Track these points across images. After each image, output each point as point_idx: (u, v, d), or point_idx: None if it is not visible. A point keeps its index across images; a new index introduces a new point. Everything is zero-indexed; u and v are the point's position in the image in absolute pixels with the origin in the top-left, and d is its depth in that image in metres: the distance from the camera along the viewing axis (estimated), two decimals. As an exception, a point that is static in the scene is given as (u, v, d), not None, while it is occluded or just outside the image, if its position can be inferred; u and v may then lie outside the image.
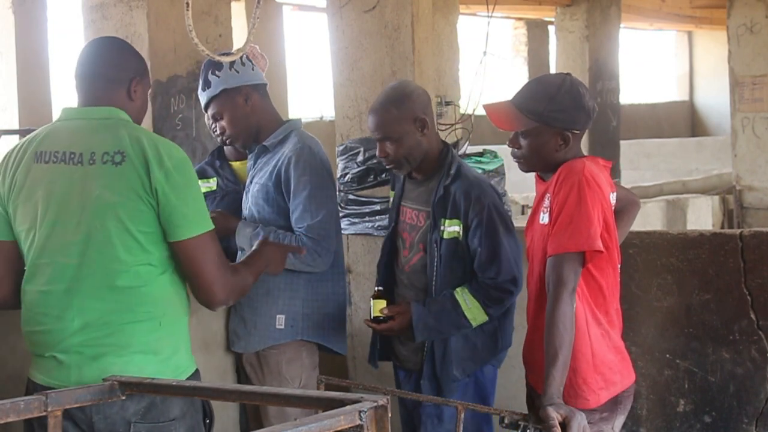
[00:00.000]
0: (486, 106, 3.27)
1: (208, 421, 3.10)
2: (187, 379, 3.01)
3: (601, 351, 3.20)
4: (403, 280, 3.86)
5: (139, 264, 2.91)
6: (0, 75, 8.49)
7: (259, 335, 3.91)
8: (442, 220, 3.66)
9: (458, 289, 3.65)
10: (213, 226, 3.01)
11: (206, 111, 4.02)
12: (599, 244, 3.10)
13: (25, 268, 3.03)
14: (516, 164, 3.38)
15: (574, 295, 3.07)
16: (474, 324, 3.65)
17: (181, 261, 2.97)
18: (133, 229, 2.90)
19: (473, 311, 3.63)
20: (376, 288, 3.83)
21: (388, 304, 3.77)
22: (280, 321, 3.88)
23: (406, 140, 3.68)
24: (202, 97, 3.99)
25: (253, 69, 3.99)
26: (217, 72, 3.92)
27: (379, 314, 3.75)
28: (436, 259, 3.68)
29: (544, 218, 3.23)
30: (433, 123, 3.79)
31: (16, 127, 8.16)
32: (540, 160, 3.25)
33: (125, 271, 2.90)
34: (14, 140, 7.86)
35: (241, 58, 3.93)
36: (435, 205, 3.68)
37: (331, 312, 3.93)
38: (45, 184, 2.96)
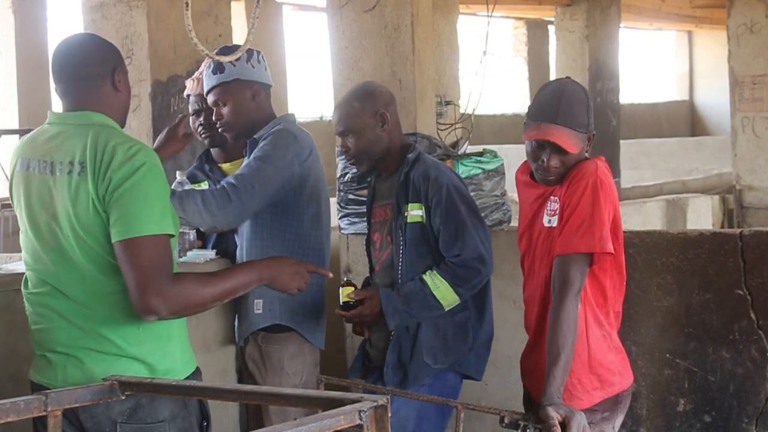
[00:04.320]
0: (548, 135, 3.16)
1: (205, 423, 3.06)
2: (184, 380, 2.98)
3: (599, 352, 3.20)
4: (376, 280, 3.89)
5: (111, 272, 2.87)
6: (0, 75, 8.50)
7: (242, 323, 3.93)
8: (405, 205, 3.70)
9: (427, 271, 3.68)
10: (162, 231, 2.82)
11: (208, 94, 3.99)
12: (610, 247, 3.10)
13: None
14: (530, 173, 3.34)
15: (579, 295, 3.07)
16: (445, 304, 3.65)
17: (118, 263, 2.84)
18: (90, 241, 2.85)
19: (442, 290, 3.64)
20: (345, 277, 3.85)
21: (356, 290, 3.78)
22: (258, 306, 3.89)
23: (365, 134, 3.75)
24: (211, 80, 3.95)
25: (266, 69, 4.02)
26: (233, 61, 3.92)
27: (347, 299, 3.75)
28: (401, 245, 3.71)
29: (552, 221, 3.22)
30: (397, 121, 3.84)
31: (16, 127, 8.18)
32: (569, 169, 3.23)
33: (98, 280, 2.88)
34: (14, 140, 7.87)
35: (257, 56, 3.97)
36: (397, 192, 3.73)
37: (307, 302, 3.91)
38: (23, 192, 2.98)
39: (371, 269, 3.97)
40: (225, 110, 3.95)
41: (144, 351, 2.92)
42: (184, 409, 2.99)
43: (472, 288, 3.68)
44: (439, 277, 3.64)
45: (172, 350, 2.99)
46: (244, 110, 3.94)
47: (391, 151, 3.80)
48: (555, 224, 3.20)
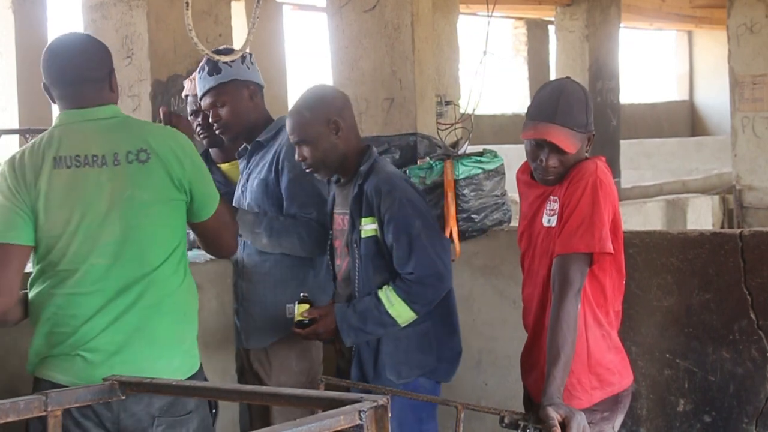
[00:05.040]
0: (546, 135, 3.16)
1: (213, 411, 3.24)
2: (199, 369, 3.16)
3: (598, 352, 3.20)
4: (338, 290, 3.80)
5: (167, 258, 3.03)
6: (0, 75, 8.50)
7: (271, 328, 3.93)
8: (360, 219, 3.61)
9: (383, 287, 3.58)
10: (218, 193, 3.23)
11: (203, 97, 3.98)
12: (610, 246, 3.10)
13: (42, 270, 3.04)
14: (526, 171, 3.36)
15: (579, 295, 3.07)
16: (400, 321, 3.56)
17: (206, 234, 3.20)
18: (165, 224, 3.03)
19: (397, 308, 3.54)
20: (301, 294, 3.74)
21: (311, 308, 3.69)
22: (291, 311, 3.89)
23: (320, 143, 3.62)
24: (208, 82, 3.94)
25: (258, 71, 4.03)
26: (229, 62, 3.92)
27: (301, 318, 3.66)
28: (357, 260, 3.61)
29: (551, 221, 3.22)
30: (352, 125, 3.71)
31: (16, 126, 8.17)
32: (568, 169, 3.22)
33: (156, 267, 3.01)
34: (14, 140, 7.85)
35: (250, 57, 3.98)
36: (351, 205, 3.63)
37: (328, 299, 3.93)
38: (71, 189, 2.98)
39: (334, 277, 3.86)
40: (223, 111, 3.94)
41: (184, 336, 3.10)
42: (202, 401, 3.16)
43: (429, 304, 3.58)
44: (394, 294, 3.54)
45: (195, 337, 3.17)
46: (243, 111, 3.94)
47: (348, 157, 3.67)
48: (554, 224, 3.20)
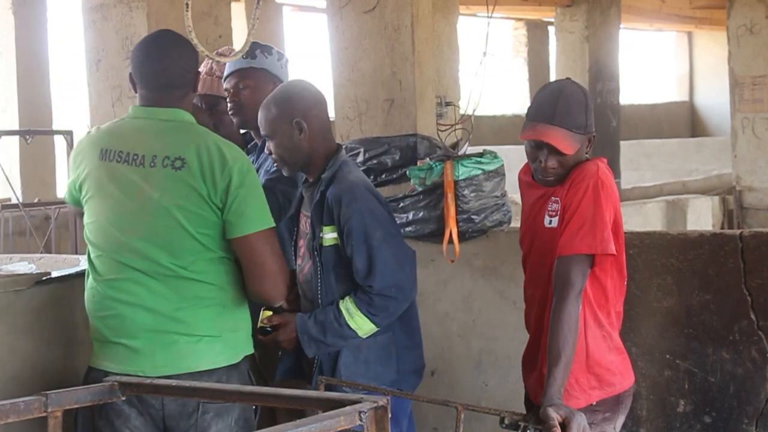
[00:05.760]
0: (543, 136, 3.17)
1: (254, 405, 3.32)
2: (242, 360, 3.21)
3: (597, 352, 3.20)
4: (299, 291, 3.74)
5: (200, 260, 3.10)
6: (0, 75, 8.50)
7: None
8: (320, 227, 3.55)
9: (345, 299, 3.51)
10: (273, 225, 3.19)
11: (228, 77, 3.98)
12: (612, 248, 3.10)
13: (89, 261, 3.18)
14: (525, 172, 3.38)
15: (580, 296, 3.07)
16: (361, 333, 3.49)
17: (241, 257, 3.14)
18: (192, 231, 3.08)
19: (357, 321, 3.48)
20: None
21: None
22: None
23: (283, 141, 3.57)
24: (240, 62, 3.93)
25: (288, 75, 4.07)
26: (266, 53, 3.97)
27: (263, 324, 3.60)
28: (318, 268, 3.56)
29: (553, 222, 3.22)
30: (320, 127, 3.61)
31: (16, 127, 8.18)
32: (569, 170, 3.22)
33: (187, 267, 3.08)
34: (14, 140, 7.85)
35: (285, 61, 4.05)
36: (313, 212, 3.58)
37: None
38: (108, 182, 3.11)
39: (295, 277, 3.77)
40: (244, 93, 3.94)
41: (224, 327, 3.16)
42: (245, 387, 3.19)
43: (391, 316, 3.51)
44: (354, 306, 3.48)
45: (241, 327, 3.24)
46: (260, 101, 3.93)
47: (313, 158, 3.59)
48: (555, 225, 3.21)
